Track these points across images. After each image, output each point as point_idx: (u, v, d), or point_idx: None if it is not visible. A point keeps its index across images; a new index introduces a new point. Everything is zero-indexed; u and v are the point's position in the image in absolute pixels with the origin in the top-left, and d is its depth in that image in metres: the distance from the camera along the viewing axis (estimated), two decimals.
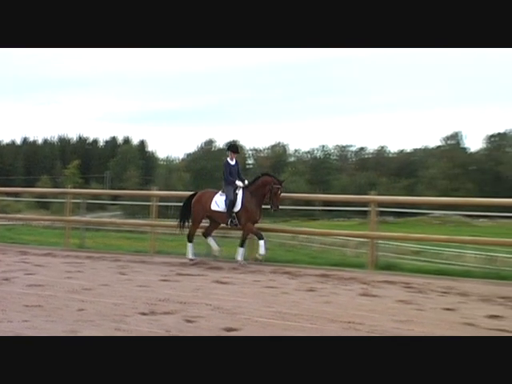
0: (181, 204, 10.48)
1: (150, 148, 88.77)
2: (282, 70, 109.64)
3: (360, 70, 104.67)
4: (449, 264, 15.71)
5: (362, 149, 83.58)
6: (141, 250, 11.82)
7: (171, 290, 6.90)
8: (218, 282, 7.65)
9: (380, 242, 11.41)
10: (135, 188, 53.28)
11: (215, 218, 9.96)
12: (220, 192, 9.91)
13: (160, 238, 13.10)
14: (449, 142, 72.79)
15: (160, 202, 12.07)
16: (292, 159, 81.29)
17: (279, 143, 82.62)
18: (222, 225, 10.11)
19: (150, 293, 6.64)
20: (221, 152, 78.76)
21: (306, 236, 20.03)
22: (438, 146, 73.31)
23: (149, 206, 11.90)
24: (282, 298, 6.53)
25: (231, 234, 11.42)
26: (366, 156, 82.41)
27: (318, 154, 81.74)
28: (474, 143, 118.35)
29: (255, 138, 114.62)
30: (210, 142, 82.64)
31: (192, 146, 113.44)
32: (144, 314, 5.48)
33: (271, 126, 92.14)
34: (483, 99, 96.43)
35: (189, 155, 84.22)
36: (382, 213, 10.41)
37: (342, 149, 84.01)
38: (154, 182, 55.29)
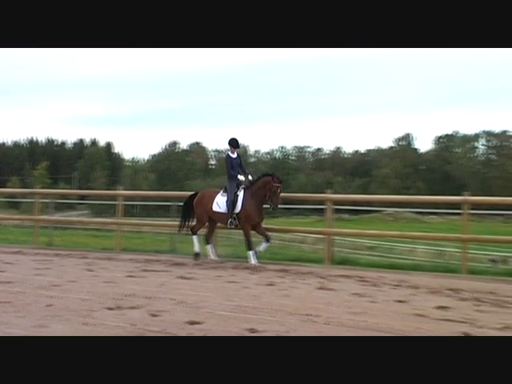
0: (145, 203, 10.59)
1: (117, 149, 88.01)
2: (242, 73, 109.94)
3: (316, 74, 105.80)
4: (401, 258, 16.05)
5: (318, 149, 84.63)
6: (107, 248, 11.88)
7: (137, 285, 7.00)
8: (181, 277, 7.78)
9: (336, 238, 11.79)
10: (102, 188, 52.53)
11: (215, 219, 9.85)
12: (221, 192, 9.69)
13: (126, 236, 13.17)
14: (400, 143, 74.40)
15: (126, 201, 12.22)
16: (252, 160, 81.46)
17: (240, 144, 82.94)
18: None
19: (117, 288, 6.74)
20: (184, 153, 79.30)
21: None
22: (391, 147, 74.66)
23: (115, 205, 12.03)
24: (243, 293, 6.68)
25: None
26: (323, 156, 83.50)
27: (277, 155, 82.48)
28: (423, 144, 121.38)
29: (217, 140, 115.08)
30: (173, 144, 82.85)
31: (156, 148, 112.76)
32: (110, 308, 5.58)
33: (232, 128, 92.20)
34: (432, 103, 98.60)
35: (153, 156, 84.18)
36: (337, 210, 10.78)
37: (300, 150, 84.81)
38: (120, 182, 54.53)
